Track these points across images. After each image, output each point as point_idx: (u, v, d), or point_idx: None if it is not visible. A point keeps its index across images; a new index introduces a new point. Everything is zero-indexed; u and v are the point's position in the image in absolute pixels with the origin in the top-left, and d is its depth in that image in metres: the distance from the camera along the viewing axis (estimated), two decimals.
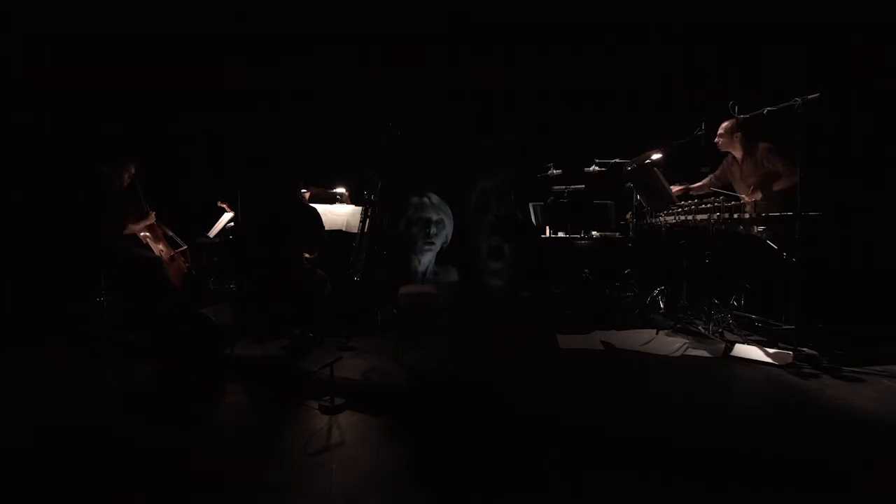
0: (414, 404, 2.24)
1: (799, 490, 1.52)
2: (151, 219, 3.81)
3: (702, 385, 2.46)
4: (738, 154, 3.46)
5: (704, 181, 3.75)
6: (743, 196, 3.24)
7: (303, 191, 4.16)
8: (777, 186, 3.17)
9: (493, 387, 2.44)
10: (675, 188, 3.66)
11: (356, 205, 4.26)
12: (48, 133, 4.89)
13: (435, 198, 4.68)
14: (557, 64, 5.01)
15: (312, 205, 3.58)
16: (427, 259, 4.64)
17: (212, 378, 2.59)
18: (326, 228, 3.90)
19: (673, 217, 3.46)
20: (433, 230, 4.58)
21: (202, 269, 4.40)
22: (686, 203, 3.34)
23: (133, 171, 3.79)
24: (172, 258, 3.88)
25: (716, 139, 3.50)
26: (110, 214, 3.58)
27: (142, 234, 3.77)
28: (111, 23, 4.91)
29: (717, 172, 3.68)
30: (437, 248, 4.65)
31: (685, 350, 2.95)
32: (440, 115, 5.00)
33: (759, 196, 3.17)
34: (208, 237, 4.48)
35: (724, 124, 3.45)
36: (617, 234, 4.51)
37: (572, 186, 4.55)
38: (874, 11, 3.79)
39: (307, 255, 3.38)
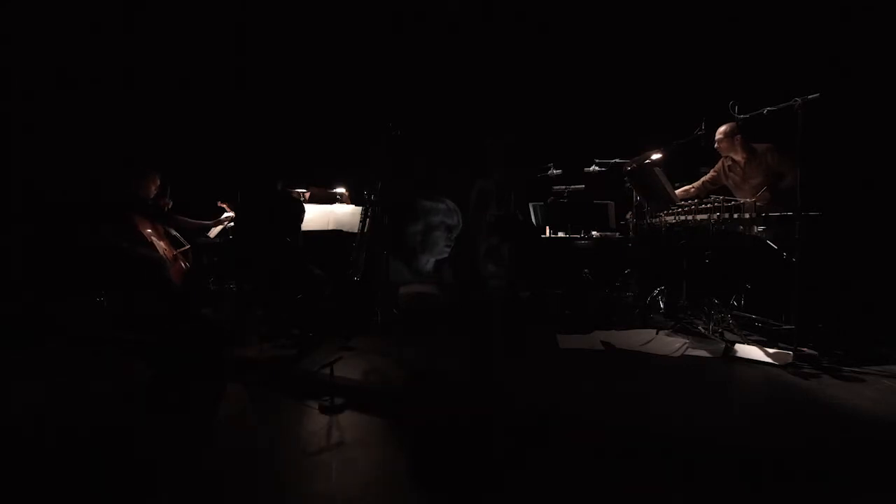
0: (414, 404, 2.24)
1: (799, 490, 1.52)
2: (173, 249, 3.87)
3: (702, 385, 2.46)
4: (738, 157, 3.45)
5: (692, 189, 3.75)
6: (744, 199, 3.23)
7: (303, 191, 4.17)
8: (783, 185, 3.17)
9: (492, 387, 2.44)
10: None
11: (356, 205, 4.26)
12: (50, 133, 4.89)
13: (451, 203, 4.75)
14: (557, 63, 5.02)
15: (293, 199, 3.63)
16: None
17: (212, 378, 2.59)
18: (326, 228, 3.90)
19: (673, 217, 3.47)
20: (454, 234, 4.69)
21: (202, 269, 4.40)
22: (686, 203, 3.34)
23: (158, 181, 3.84)
24: (175, 258, 3.88)
25: (715, 144, 3.49)
26: (118, 216, 3.60)
27: (146, 231, 3.77)
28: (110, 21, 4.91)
29: (706, 178, 3.69)
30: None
31: (685, 350, 2.95)
32: (440, 116, 5.01)
33: (768, 197, 3.17)
34: (208, 237, 4.48)
35: (723, 128, 3.44)
36: (617, 234, 4.51)
37: (572, 186, 4.55)
38: (874, 10, 3.79)
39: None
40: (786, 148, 3.25)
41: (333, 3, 5.21)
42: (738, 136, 3.39)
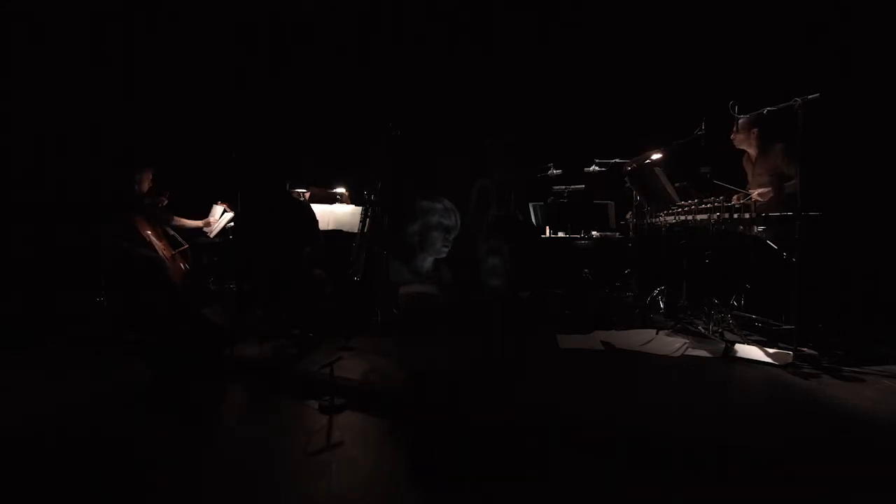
0: (414, 404, 2.24)
1: (799, 490, 1.52)
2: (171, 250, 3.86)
3: (702, 385, 2.46)
4: (752, 151, 3.44)
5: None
6: (751, 193, 3.22)
7: (303, 190, 4.16)
8: (787, 189, 3.16)
9: (493, 387, 2.44)
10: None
11: (356, 205, 4.26)
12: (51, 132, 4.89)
13: (449, 203, 4.74)
14: (557, 63, 5.02)
15: (303, 201, 3.61)
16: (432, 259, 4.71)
17: (212, 378, 2.59)
18: (327, 228, 3.90)
19: (673, 217, 3.46)
20: (452, 235, 4.68)
21: (202, 269, 4.40)
22: (686, 203, 3.33)
23: (151, 175, 3.84)
24: (173, 258, 3.89)
25: (731, 136, 3.48)
26: (118, 216, 3.61)
27: (145, 231, 3.77)
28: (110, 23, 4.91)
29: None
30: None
31: (685, 350, 2.95)
32: (440, 116, 5.01)
33: (770, 195, 3.15)
34: (208, 237, 4.48)
35: (741, 120, 3.41)
36: (617, 234, 4.51)
37: (572, 186, 4.55)
38: (874, 10, 3.79)
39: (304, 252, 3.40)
40: (792, 149, 3.24)
41: (333, 2, 5.22)
42: (755, 130, 3.37)
